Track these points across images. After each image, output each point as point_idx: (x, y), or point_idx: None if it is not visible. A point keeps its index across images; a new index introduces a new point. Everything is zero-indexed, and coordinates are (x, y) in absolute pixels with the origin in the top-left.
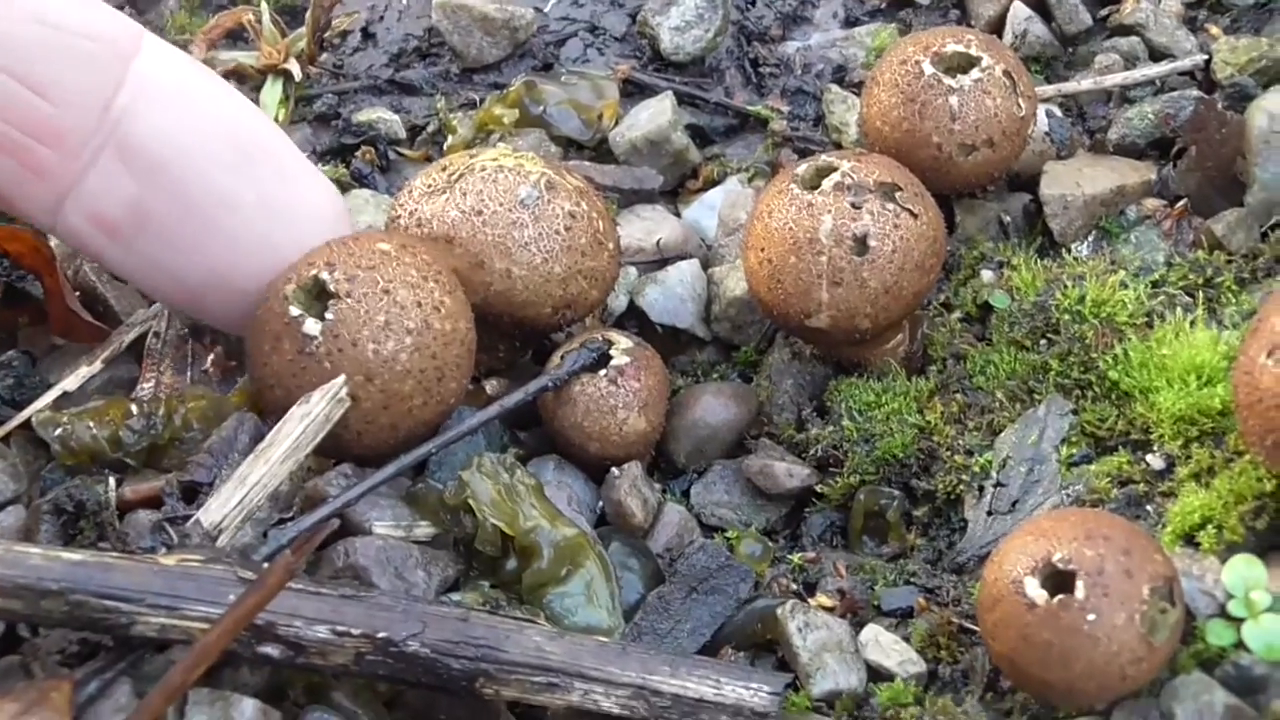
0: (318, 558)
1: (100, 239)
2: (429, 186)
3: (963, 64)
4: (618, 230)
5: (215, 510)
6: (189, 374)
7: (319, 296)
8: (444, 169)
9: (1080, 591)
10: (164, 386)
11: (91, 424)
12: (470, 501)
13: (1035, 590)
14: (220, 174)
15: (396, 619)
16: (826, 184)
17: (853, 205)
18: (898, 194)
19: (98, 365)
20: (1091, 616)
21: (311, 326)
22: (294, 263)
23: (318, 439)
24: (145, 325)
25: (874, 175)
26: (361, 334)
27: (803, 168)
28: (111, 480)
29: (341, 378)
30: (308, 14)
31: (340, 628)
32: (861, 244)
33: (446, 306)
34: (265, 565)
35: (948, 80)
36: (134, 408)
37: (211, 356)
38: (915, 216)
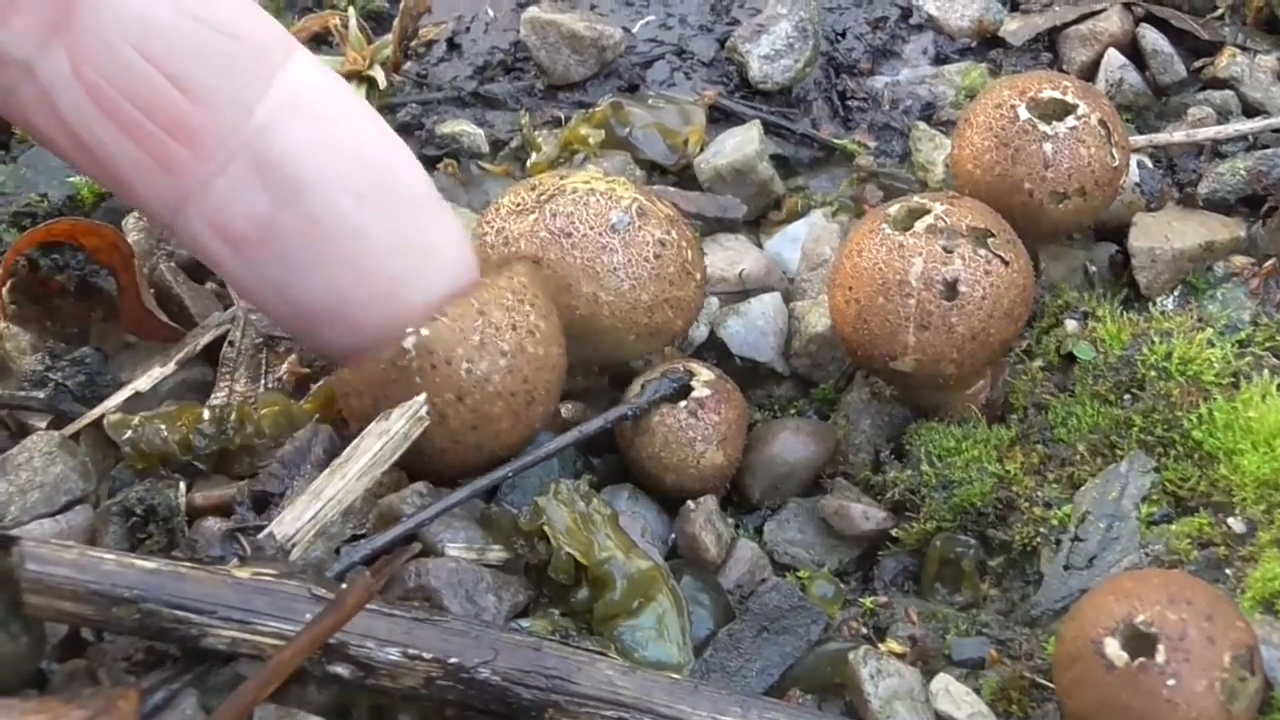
0: (389, 576)
1: (221, 248)
2: (517, 205)
3: (1058, 110)
4: (705, 260)
5: (289, 523)
6: (263, 381)
7: None
8: (533, 188)
9: (1161, 655)
10: (237, 394)
11: (163, 426)
12: (546, 528)
13: (1115, 651)
14: (355, 202)
15: (469, 645)
16: (919, 226)
17: (944, 249)
18: (990, 240)
19: (171, 367)
20: (1172, 682)
21: (406, 340)
22: None
23: (395, 456)
24: (221, 329)
25: (967, 219)
26: (456, 352)
27: (895, 208)
28: (182, 485)
29: (422, 396)
30: (395, 21)
31: (412, 650)
32: (951, 289)
33: (541, 331)
34: (340, 583)
35: (1043, 126)
36: (206, 413)
37: (286, 365)
38: (1006, 264)
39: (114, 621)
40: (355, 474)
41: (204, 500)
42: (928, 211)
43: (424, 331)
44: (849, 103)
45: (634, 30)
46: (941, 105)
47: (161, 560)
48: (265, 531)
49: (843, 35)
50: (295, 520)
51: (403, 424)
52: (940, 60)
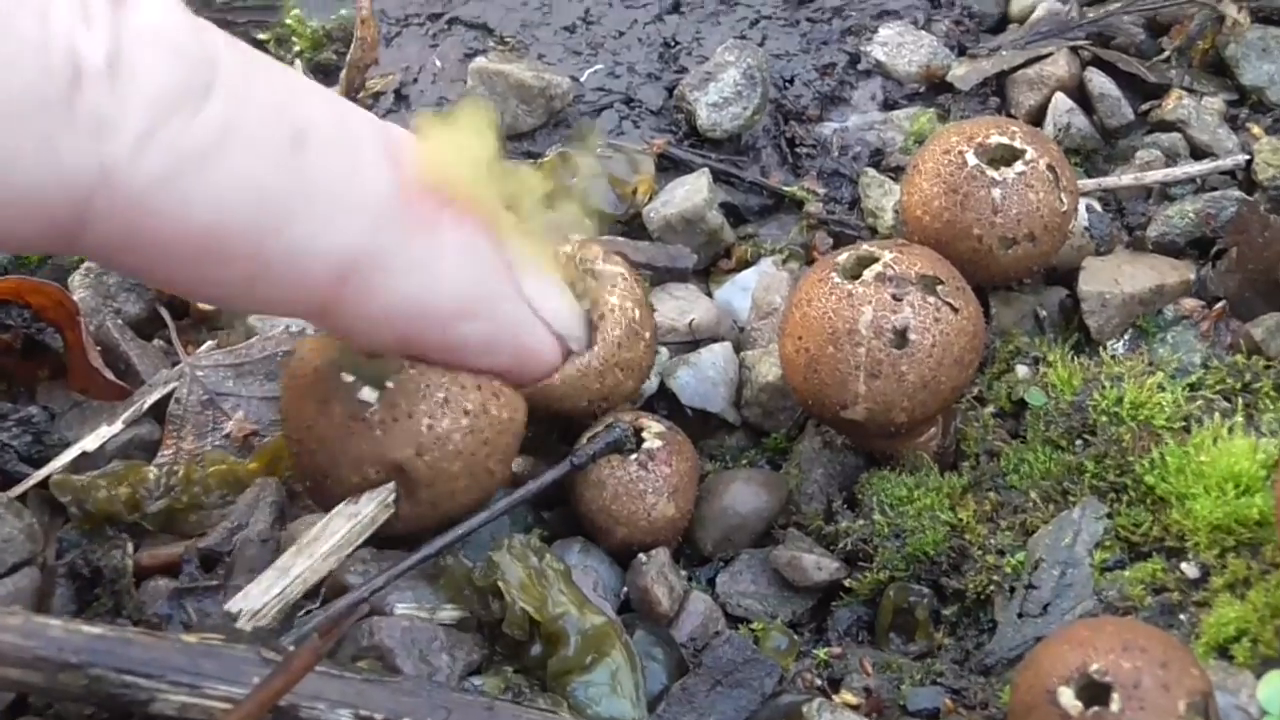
0: (341, 637)
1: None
2: None
3: (1006, 156)
4: (654, 318)
5: (255, 597)
6: (210, 439)
7: (373, 367)
8: None
9: (1116, 704)
10: (184, 452)
11: (110, 486)
12: (500, 584)
13: (1070, 700)
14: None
15: (421, 705)
16: (868, 274)
17: (894, 297)
18: (939, 287)
19: (118, 425)
20: None
21: (368, 394)
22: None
23: (361, 540)
24: (168, 387)
25: (916, 267)
26: (419, 407)
27: (844, 256)
28: (129, 545)
29: (391, 484)
30: (342, 74)
31: (364, 712)
32: (901, 337)
33: (505, 395)
34: (290, 646)
35: (991, 172)
36: (153, 472)
37: (233, 422)
38: (956, 311)
39: (61, 688)
40: (323, 554)
41: (150, 559)
42: (876, 259)
43: (388, 384)
44: (798, 149)
45: (582, 79)
46: (890, 151)
47: (108, 625)
48: (228, 605)
49: (791, 82)
50: (262, 595)
51: (371, 509)
52: (889, 106)
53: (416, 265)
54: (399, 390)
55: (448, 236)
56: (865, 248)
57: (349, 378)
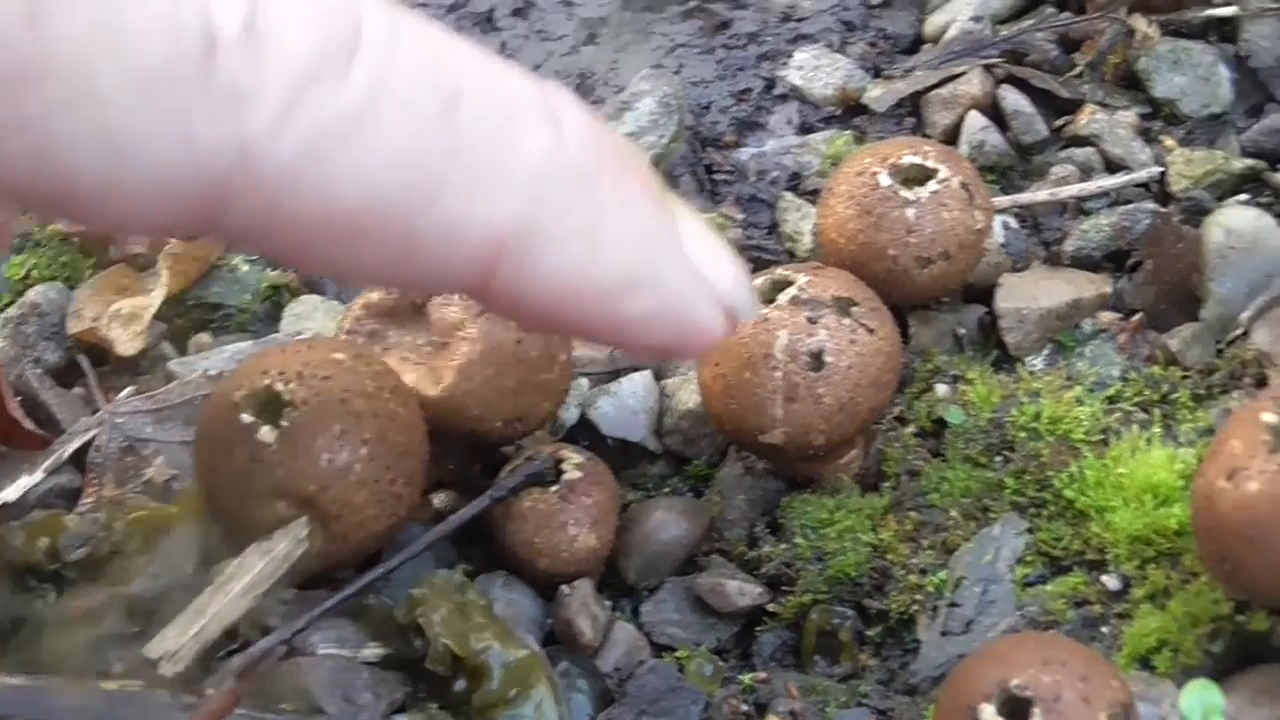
0: (263, 679)
1: None
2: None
3: (920, 176)
4: (570, 342)
5: (171, 639)
6: (130, 485)
7: (271, 405)
8: None
9: (1037, 719)
10: (106, 499)
11: (30, 537)
12: (421, 621)
13: (991, 717)
14: None
15: None
16: (782, 298)
17: (809, 320)
18: (854, 309)
19: (39, 475)
20: None
21: (266, 434)
22: (242, 370)
23: (276, 577)
24: (88, 434)
25: (830, 290)
26: (316, 443)
27: (758, 281)
28: (51, 595)
29: (304, 519)
30: None
31: None
32: (817, 359)
33: (401, 418)
34: (209, 691)
35: (904, 192)
36: (73, 520)
37: (153, 468)
38: (872, 332)
39: None
40: (239, 592)
41: (73, 609)
42: (791, 283)
43: (283, 424)
44: (715, 176)
45: None
46: (808, 174)
47: (26, 676)
48: (146, 648)
49: (708, 109)
50: (178, 637)
51: (285, 545)
52: (805, 130)
53: (576, 232)
54: (295, 428)
55: (607, 197)
56: (779, 271)
57: (248, 418)
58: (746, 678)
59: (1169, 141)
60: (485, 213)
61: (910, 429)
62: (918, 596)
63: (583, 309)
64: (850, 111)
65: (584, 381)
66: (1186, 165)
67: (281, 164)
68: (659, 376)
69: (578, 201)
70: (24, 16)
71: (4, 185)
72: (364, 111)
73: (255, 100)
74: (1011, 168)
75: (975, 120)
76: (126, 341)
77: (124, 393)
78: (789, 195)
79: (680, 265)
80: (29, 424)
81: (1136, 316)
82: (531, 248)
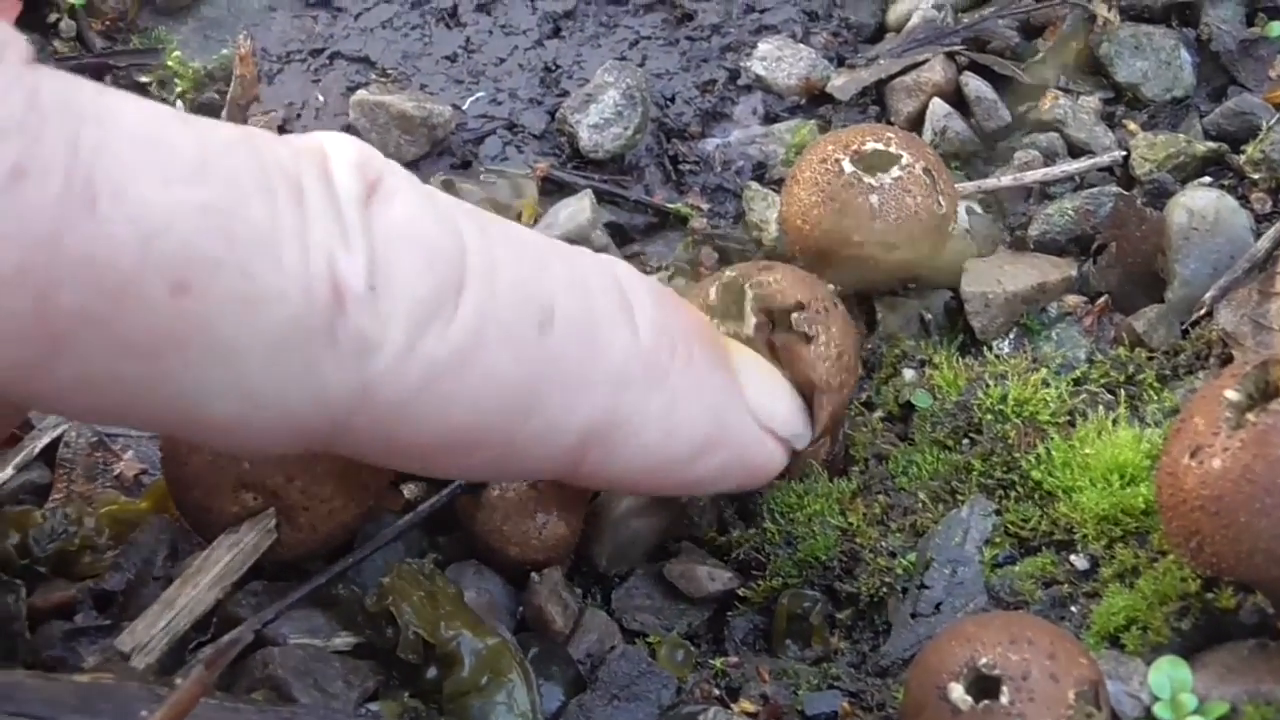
0: (236, 669)
1: None
2: None
3: (883, 162)
4: None
5: (141, 632)
6: (100, 480)
7: None
8: None
9: (1006, 697)
10: (76, 494)
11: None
12: (392, 609)
13: (960, 695)
14: None
15: None
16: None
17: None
18: (796, 315)
19: (9, 471)
20: None
21: None
22: None
23: (245, 568)
24: (57, 430)
25: (777, 300)
26: None
27: (711, 291)
28: (23, 590)
29: (271, 510)
30: (223, 112)
31: None
32: None
33: None
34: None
35: (868, 179)
36: (44, 515)
37: (123, 462)
38: (810, 340)
39: None
40: (207, 584)
41: (44, 603)
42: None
43: None
44: (681, 167)
45: (464, 107)
46: (773, 164)
47: None
48: (116, 640)
49: (672, 100)
50: (148, 629)
51: (252, 536)
52: (770, 119)
53: (654, 418)
54: None
55: (678, 382)
56: (728, 274)
57: None
58: (718, 662)
59: (1132, 125)
60: (576, 417)
61: (878, 413)
62: (887, 579)
63: (664, 479)
64: (814, 101)
65: None
66: (1149, 149)
67: (398, 399)
68: None
69: (654, 392)
70: (171, 287)
71: (133, 424)
72: (473, 344)
73: (379, 347)
74: (975, 154)
75: (939, 107)
76: None
77: None
78: (754, 185)
79: (744, 422)
80: None
81: (1101, 299)
82: (615, 439)
